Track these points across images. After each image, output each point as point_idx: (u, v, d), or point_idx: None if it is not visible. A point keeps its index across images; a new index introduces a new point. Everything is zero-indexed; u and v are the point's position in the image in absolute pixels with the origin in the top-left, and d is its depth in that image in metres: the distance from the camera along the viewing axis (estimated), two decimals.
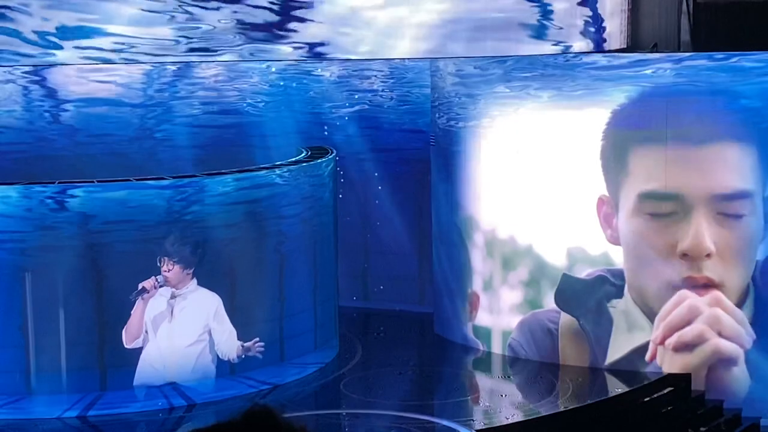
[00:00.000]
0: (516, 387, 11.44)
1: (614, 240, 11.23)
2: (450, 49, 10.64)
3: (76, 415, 10.18)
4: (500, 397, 11.19)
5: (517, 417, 10.38)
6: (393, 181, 13.74)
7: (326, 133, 13.70)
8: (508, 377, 11.54)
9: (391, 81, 13.74)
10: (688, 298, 10.95)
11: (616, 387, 10.96)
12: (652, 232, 11.07)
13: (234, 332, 10.72)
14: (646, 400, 10.80)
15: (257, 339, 10.80)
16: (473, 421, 10.38)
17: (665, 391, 10.91)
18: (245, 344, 10.76)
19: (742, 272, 10.95)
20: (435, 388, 11.61)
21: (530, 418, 10.32)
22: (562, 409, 10.43)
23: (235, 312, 10.79)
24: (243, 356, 10.77)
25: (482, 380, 11.86)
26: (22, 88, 12.20)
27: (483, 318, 12.14)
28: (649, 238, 11.08)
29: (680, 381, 11.00)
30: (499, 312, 11.98)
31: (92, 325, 10.31)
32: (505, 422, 10.15)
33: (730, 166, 10.95)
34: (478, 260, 12.13)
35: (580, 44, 11.16)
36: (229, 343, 10.71)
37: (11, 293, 10.17)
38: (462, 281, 12.31)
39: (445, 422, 10.15)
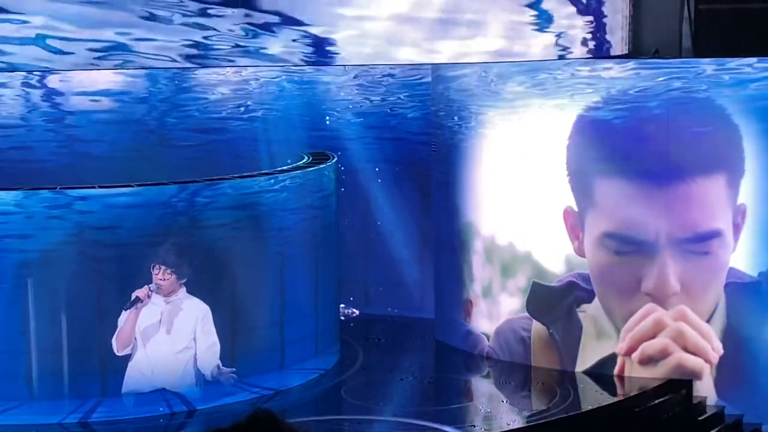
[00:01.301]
0: (517, 393, 11.43)
1: (581, 253, 11.23)
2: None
3: (77, 420, 10.17)
4: (501, 402, 11.17)
5: (518, 423, 10.37)
6: (395, 186, 13.73)
7: (328, 123, 13.67)
8: (509, 383, 11.53)
9: (395, 85, 13.74)
10: (655, 311, 10.96)
11: (618, 393, 10.96)
12: (616, 267, 11.09)
13: (217, 346, 10.59)
14: (647, 406, 10.80)
15: (234, 369, 10.67)
16: (474, 426, 10.38)
17: (666, 397, 10.91)
18: (222, 367, 10.62)
19: (710, 301, 10.96)
20: (436, 394, 11.59)
21: (531, 424, 10.30)
22: (563, 415, 10.41)
23: (235, 317, 10.78)
24: (217, 378, 10.62)
25: (483, 385, 11.85)
26: (21, 87, 12.18)
27: (483, 325, 12.12)
28: (614, 272, 11.11)
29: (681, 387, 11.01)
30: (498, 318, 11.98)
31: (94, 330, 10.29)
32: (506, 428, 10.14)
33: (698, 206, 10.87)
34: (478, 266, 12.12)
35: (581, 50, 11.15)
36: (207, 356, 10.58)
37: (13, 299, 10.15)
38: (461, 287, 12.30)
39: (446, 428, 10.13)
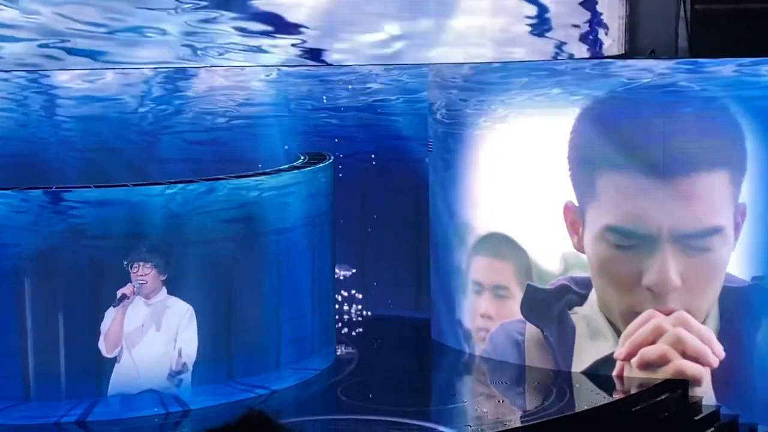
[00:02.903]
0: (514, 393, 11.43)
1: (581, 248, 11.22)
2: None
3: (74, 420, 10.17)
4: (498, 402, 11.17)
5: (514, 423, 10.37)
6: (390, 186, 13.72)
7: (325, 120, 13.66)
8: (505, 383, 11.53)
9: (391, 84, 13.72)
10: (655, 317, 10.96)
11: (614, 393, 10.97)
12: (616, 260, 11.07)
13: (194, 344, 10.52)
14: (643, 406, 10.80)
15: (185, 364, 10.58)
16: (469, 426, 10.38)
17: (663, 397, 10.91)
18: (180, 358, 10.54)
19: (710, 297, 10.95)
20: (432, 394, 11.60)
21: (526, 424, 10.30)
22: (558, 415, 10.41)
23: (232, 317, 10.78)
24: (178, 369, 10.56)
25: (479, 385, 11.84)
26: (17, 87, 12.16)
27: (479, 325, 12.12)
28: (614, 266, 11.10)
29: (677, 387, 11.01)
30: (494, 319, 11.97)
31: (91, 330, 10.28)
32: (502, 428, 10.13)
33: (700, 201, 10.86)
34: (474, 265, 12.10)
35: (578, 49, 11.16)
36: (185, 350, 10.54)
37: (9, 299, 10.14)
38: (458, 287, 12.30)
39: (442, 428, 10.14)
